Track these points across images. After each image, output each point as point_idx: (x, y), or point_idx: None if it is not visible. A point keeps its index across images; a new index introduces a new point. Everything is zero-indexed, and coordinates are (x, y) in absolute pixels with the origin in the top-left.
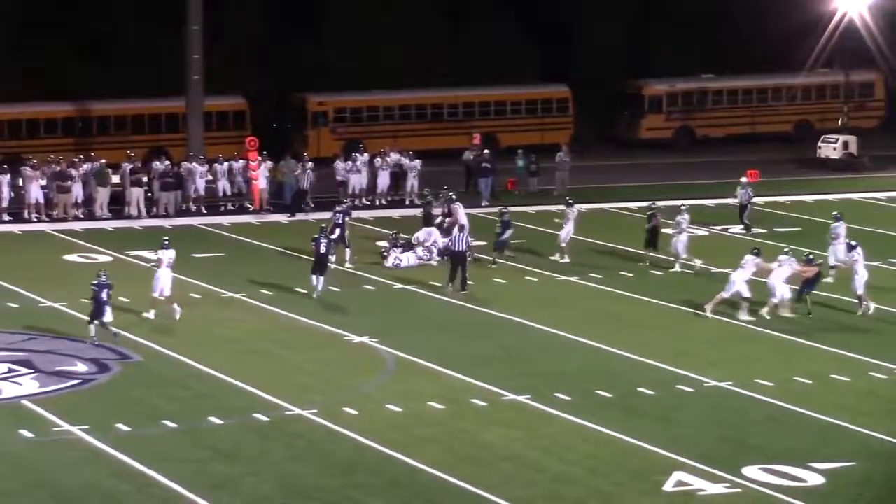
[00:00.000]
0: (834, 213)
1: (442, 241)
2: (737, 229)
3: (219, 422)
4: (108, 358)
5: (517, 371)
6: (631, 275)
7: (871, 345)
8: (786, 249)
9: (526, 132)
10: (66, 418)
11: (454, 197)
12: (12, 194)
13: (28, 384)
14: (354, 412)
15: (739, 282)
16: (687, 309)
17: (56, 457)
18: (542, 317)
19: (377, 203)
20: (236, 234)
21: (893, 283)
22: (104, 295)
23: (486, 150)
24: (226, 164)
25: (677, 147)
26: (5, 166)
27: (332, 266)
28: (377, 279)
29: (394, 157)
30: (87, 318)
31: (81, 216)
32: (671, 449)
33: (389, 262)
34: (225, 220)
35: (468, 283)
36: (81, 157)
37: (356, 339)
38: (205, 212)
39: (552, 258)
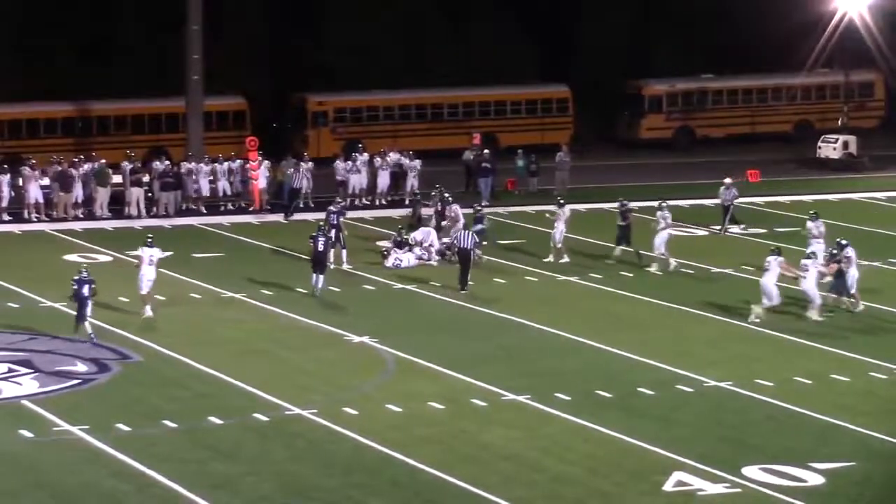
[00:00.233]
0: (811, 211)
1: (438, 243)
2: (736, 230)
3: (219, 422)
4: (108, 358)
5: (517, 371)
6: (631, 275)
7: (871, 345)
8: (808, 252)
9: (526, 132)
10: (66, 418)
11: (450, 199)
12: (12, 194)
13: (28, 384)
14: (354, 412)
15: (771, 285)
16: (687, 309)
17: (56, 457)
18: (542, 317)
19: (377, 203)
20: (236, 234)
21: (893, 283)
22: (86, 290)
23: (485, 150)
24: (226, 164)
25: (677, 147)
26: (5, 166)
27: (331, 266)
28: (377, 279)
29: (394, 156)
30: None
31: (81, 216)
32: (671, 449)
33: (389, 262)
34: (225, 220)
35: (469, 283)
36: (82, 157)
37: (356, 338)
38: (205, 212)
39: (546, 260)
